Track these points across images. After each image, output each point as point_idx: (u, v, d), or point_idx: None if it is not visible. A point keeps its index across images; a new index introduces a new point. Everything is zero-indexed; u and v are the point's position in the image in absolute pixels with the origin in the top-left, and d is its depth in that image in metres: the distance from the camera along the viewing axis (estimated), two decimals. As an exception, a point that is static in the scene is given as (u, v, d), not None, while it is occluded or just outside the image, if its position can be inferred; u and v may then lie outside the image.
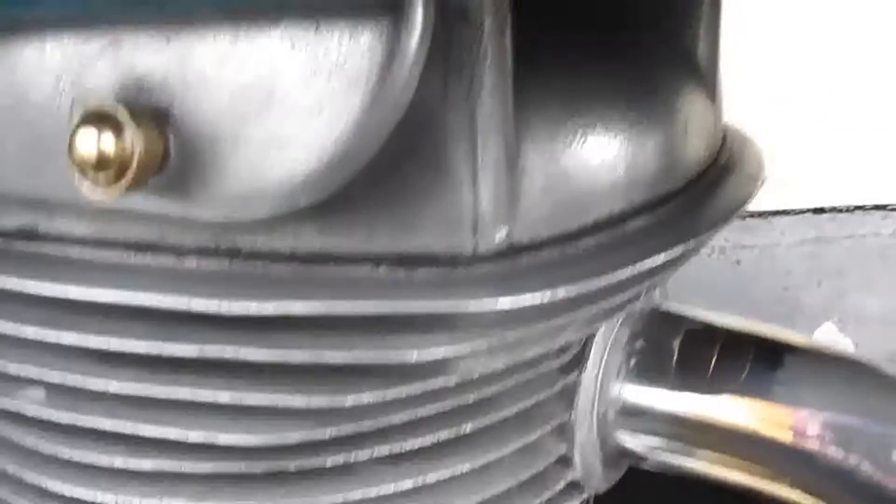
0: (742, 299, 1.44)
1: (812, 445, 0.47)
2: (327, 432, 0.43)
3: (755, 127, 0.56)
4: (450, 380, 0.43)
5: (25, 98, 0.42)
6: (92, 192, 0.38)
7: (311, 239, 0.42)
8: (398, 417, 0.44)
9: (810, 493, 0.48)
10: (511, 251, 0.42)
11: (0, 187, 0.44)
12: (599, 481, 0.53)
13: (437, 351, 0.41)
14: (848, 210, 1.48)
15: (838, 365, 0.49)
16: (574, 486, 0.52)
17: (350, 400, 0.42)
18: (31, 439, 0.48)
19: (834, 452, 0.46)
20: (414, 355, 0.41)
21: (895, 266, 1.50)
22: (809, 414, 0.47)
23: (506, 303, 0.40)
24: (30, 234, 0.46)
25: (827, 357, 0.50)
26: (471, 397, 0.45)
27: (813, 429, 0.47)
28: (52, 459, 0.48)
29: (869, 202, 1.49)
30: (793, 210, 1.46)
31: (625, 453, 0.52)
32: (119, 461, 0.45)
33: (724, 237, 1.43)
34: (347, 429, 0.43)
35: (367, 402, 0.42)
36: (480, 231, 0.41)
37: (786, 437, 0.48)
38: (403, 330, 0.42)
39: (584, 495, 0.53)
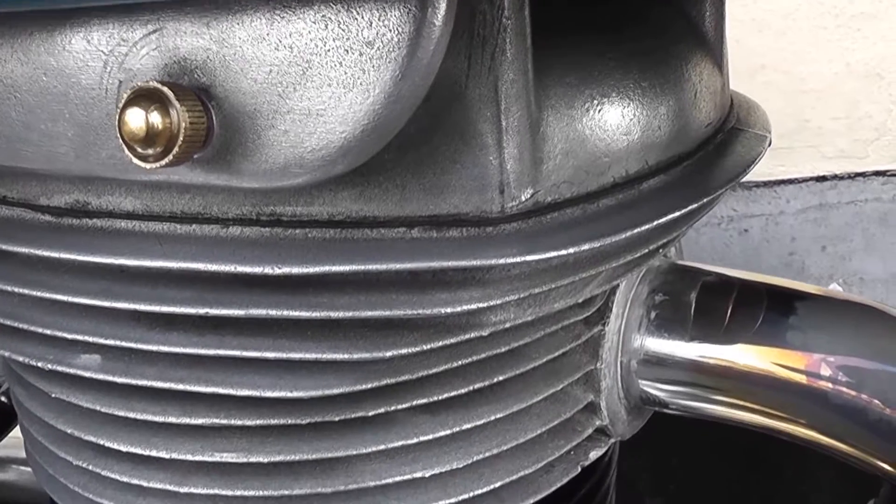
0: (750, 265, 1.47)
1: (825, 386, 0.50)
2: (368, 385, 0.46)
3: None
4: (482, 332, 0.46)
5: (75, 82, 0.44)
6: (141, 166, 0.41)
7: (347, 205, 0.45)
8: (435, 369, 0.46)
9: (824, 433, 0.50)
10: (536, 211, 0.45)
11: (52, 167, 0.47)
12: (625, 428, 0.56)
13: (468, 305, 0.44)
14: (849, 177, 1.51)
15: (849, 309, 0.52)
16: (601, 433, 0.55)
17: (389, 353, 0.45)
18: (88, 401, 0.51)
19: (846, 392, 0.49)
20: (448, 309, 0.44)
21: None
22: (822, 357, 0.50)
23: (532, 259, 0.43)
24: (80, 211, 0.49)
25: (838, 302, 0.52)
26: (502, 348, 0.48)
27: (826, 370, 0.50)
28: (109, 419, 0.51)
29: (869, 169, 1.51)
30: (796, 179, 1.49)
31: (648, 401, 0.55)
32: (172, 417, 0.48)
33: (733, 207, 1.46)
34: (387, 381, 0.46)
35: (405, 353, 0.45)
36: (507, 192, 0.44)
37: (799, 379, 0.50)
38: (436, 287, 0.45)
39: (611, 441, 0.55)
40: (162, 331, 0.47)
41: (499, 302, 0.44)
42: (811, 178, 1.47)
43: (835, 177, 1.49)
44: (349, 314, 0.44)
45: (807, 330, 0.51)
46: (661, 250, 0.51)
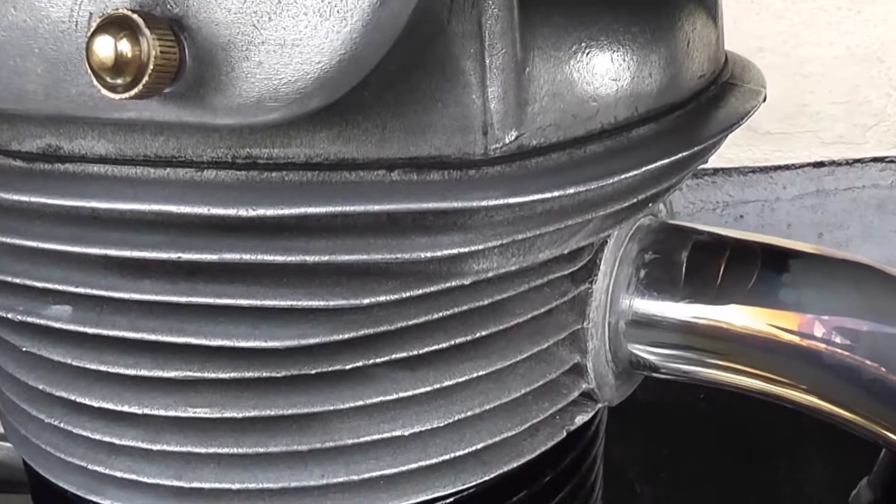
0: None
1: (819, 346, 0.48)
2: (345, 335, 0.44)
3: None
4: (464, 280, 0.44)
5: (45, 15, 0.43)
6: (110, 97, 0.39)
7: (325, 146, 0.43)
8: (414, 320, 0.45)
9: (820, 396, 0.49)
10: (520, 154, 0.43)
11: (22, 107, 0.45)
12: (612, 393, 0.54)
13: (449, 249, 0.42)
14: (847, 163, 1.49)
15: (845, 268, 0.50)
16: (588, 397, 0.53)
17: (367, 300, 0.43)
18: (59, 354, 0.49)
19: (840, 352, 0.47)
20: (427, 253, 0.42)
21: (893, 216, 1.51)
22: (816, 316, 0.48)
23: (515, 202, 0.41)
24: (52, 156, 0.48)
25: (834, 261, 0.51)
26: (485, 300, 0.46)
27: (820, 330, 0.48)
28: (81, 373, 0.49)
29: (867, 155, 1.50)
30: (793, 165, 1.47)
31: (637, 365, 0.53)
32: (144, 370, 0.47)
33: (728, 192, 1.45)
34: (365, 331, 0.44)
35: (383, 300, 0.43)
36: (490, 134, 0.42)
37: (794, 339, 0.49)
38: (417, 231, 0.43)
39: (598, 406, 0.54)
40: (134, 278, 0.46)
41: (481, 247, 0.43)
42: (808, 164, 1.46)
43: (832, 163, 1.48)
44: (325, 258, 0.43)
45: (801, 288, 0.50)
46: (650, 203, 0.50)
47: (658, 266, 0.52)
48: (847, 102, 1.48)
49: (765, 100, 0.52)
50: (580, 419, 0.53)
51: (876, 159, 1.48)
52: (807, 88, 1.45)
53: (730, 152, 1.24)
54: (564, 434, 0.52)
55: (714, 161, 0.58)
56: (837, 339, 0.48)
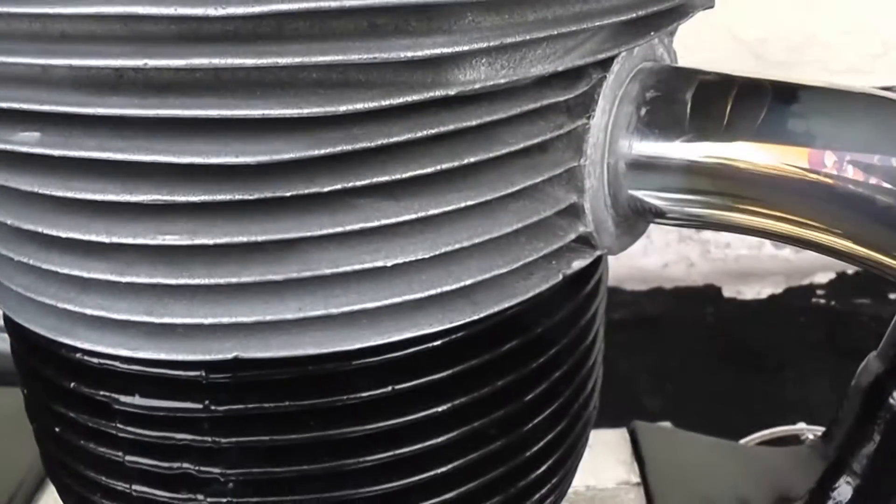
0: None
1: (829, 179, 0.45)
2: (321, 150, 0.42)
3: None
4: (448, 90, 0.41)
5: None
6: None
7: (299, -59, 0.40)
8: (396, 137, 0.42)
9: (829, 230, 0.46)
10: (509, -47, 0.40)
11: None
12: (612, 241, 0.51)
13: (432, 50, 0.40)
14: None
15: (857, 100, 0.47)
16: (585, 242, 0.50)
17: (343, 108, 0.40)
18: (26, 183, 0.47)
19: (852, 183, 0.44)
20: (408, 53, 0.39)
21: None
22: (827, 149, 0.45)
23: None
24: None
25: (845, 94, 0.47)
26: (472, 121, 0.43)
27: (830, 162, 0.45)
28: (49, 204, 0.47)
29: (877, 84, 1.47)
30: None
31: (640, 210, 0.50)
32: (112, 195, 0.44)
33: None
34: (343, 147, 0.42)
35: (361, 108, 0.40)
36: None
37: (804, 174, 0.46)
38: (397, 34, 0.40)
39: (596, 253, 0.51)
40: (102, 95, 0.43)
41: (466, 48, 0.40)
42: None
43: None
44: (298, 59, 0.40)
45: (813, 121, 0.46)
46: (651, 30, 0.47)
47: (660, 104, 0.49)
48: (856, 32, 1.45)
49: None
50: (578, 264, 0.50)
51: (885, 88, 1.45)
52: (816, 18, 1.41)
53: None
54: (560, 277, 0.49)
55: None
56: (848, 170, 0.45)
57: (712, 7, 0.52)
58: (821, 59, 1.47)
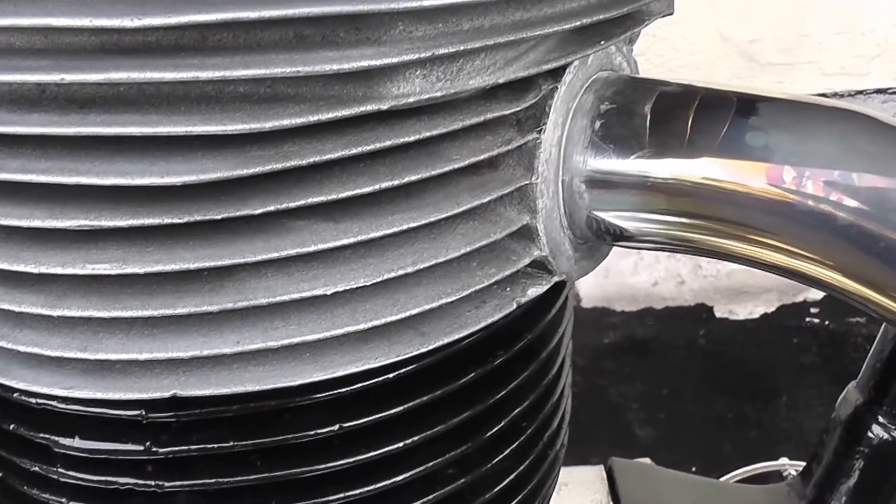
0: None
1: (791, 196, 0.43)
2: (250, 169, 0.39)
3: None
4: (381, 104, 0.39)
5: None
6: None
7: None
8: (329, 154, 0.40)
9: (793, 249, 0.43)
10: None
11: None
12: (570, 266, 0.49)
13: (359, 62, 0.37)
14: (850, 95, 1.44)
15: (824, 114, 0.45)
16: (540, 267, 0.48)
17: (270, 124, 0.38)
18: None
19: (813, 199, 0.42)
20: (334, 66, 0.37)
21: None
22: (789, 166, 0.43)
23: (430, 4, 0.37)
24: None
25: (810, 107, 0.45)
26: (411, 137, 0.41)
27: (790, 178, 0.42)
28: (-25, 233, 0.45)
29: (870, 86, 1.44)
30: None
31: (600, 231, 0.47)
32: (38, 221, 0.42)
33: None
34: (272, 166, 0.40)
35: (287, 125, 0.38)
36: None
37: (766, 191, 0.43)
38: (324, 47, 0.38)
39: (553, 279, 0.48)
40: (23, 111, 0.41)
41: (395, 61, 0.38)
42: (810, 96, 1.41)
43: (835, 94, 1.42)
44: (220, 73, 0.38)
45: (775, 137, 0.44)
46: (600, 39, 0.45)
47: (617, 118, 0.46)
48: (849, 33, 1.43)
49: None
50: (533, 291, 0.47)
51: (879, 90, 1.43)
52: (809, 18, 1.39)
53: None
54: (515, 306, 0.47)
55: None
56: (810, 186, 0.42)
57: (671, 14, 0.49)
58: (814, 61, 1.45)
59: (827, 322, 1.83)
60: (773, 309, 1.85)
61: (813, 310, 1.84)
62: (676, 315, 1.80)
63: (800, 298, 1.84)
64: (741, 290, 1.81)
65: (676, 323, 1.79)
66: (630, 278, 1.72)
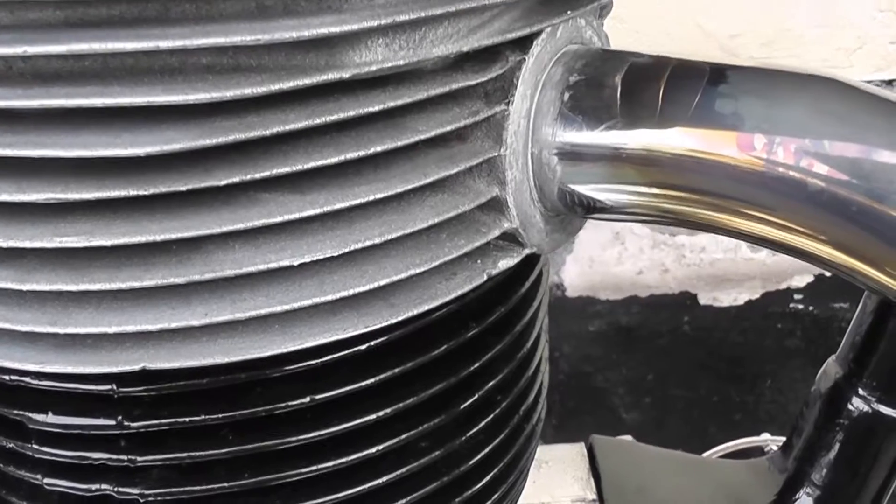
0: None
1: (762, 164, 0.42)
2: (214, 139, 0.39)
3: None
4: (343, 73, 0.39)
5: None
6: None
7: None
8: (293, 124, 0.40)
9: (766, 217, 0.43)
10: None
11: None
12: (541, 238, 0.49)
13: (319, 29, 0.37)
14: None
15: (794, 80, 0.44)
16: (511, 239, 0.48)
17: (231, 93, 0.38)
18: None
19: (784, 167, 0.42)
20: (293, 34, 0.37)
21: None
22: (760, 133, 0.43)
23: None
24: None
25: (783, 74, 0.45)
26: (375, 107, 0.41)
27: (761, 145, 0.42)
28: (-54, 210, 0.45)
29: (875, 79, 1.44)
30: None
31: (571, 203, 0.47)
32: (5, 195, 0.42)
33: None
34: (236, 136, 0.39)
35: (248, 94, 0.38)
36: None
37: (739, 159, 0.43)
38: (285, 15, 0.38)
39: (525, 251, 0.48)
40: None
41: (355, 27, 0.38)
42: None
43: None
44: (180, 43, 0.38)
45: (748, 106, 0.44)
46: (569, 10, 0.45)
47: (587, 89, 0.46)
48: (830, 25, 1.42)
49: None
50: (504, 263, 0.47)
51: (885, 82, 1.43)
52: (788, 11, 1.39)
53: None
54: (485, 278, 0.47)
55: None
56: (781, 154, 0.42)
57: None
58: (795, 55, 1.44)
59: (811, 307, 1.83)
60: (757, 296, 1.85)
61: (797, 296, 1.84)
62: (661, 303, 1.80)
63: (784, 285, 1.84)
64: (725, 277, 1.81)
65: (661, 310, 1.78)
66: (614, 268, 1.71)
